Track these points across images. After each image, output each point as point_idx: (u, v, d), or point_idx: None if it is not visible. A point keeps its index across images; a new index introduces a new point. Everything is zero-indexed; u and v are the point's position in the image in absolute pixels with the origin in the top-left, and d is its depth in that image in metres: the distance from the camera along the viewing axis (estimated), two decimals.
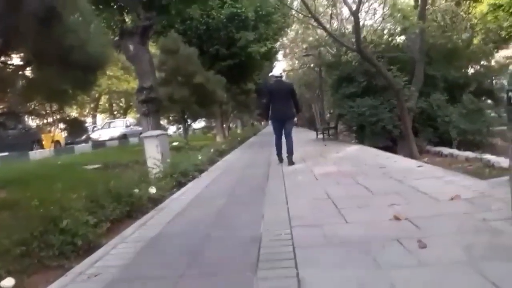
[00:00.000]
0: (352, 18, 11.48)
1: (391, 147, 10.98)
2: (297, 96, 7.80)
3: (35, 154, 12.16)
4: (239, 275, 2.25)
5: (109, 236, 3.34)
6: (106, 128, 22.45)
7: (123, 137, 20.15)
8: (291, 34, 23.29)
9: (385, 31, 14.87)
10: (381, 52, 12.36)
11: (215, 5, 14.34)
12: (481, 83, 12.94)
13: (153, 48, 14.75)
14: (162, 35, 13.39)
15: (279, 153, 7.49)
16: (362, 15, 17.03)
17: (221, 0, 14.42)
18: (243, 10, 14.55)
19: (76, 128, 6.94)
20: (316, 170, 6.18)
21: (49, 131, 8.42)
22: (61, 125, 6.72)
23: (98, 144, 17.17)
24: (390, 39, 13.90)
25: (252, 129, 32.00)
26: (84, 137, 17.17)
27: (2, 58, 5.11)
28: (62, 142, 16.63)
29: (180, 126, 16.54)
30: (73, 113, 9.21)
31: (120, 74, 30.76)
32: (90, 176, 6.77)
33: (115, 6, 11.17)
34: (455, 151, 8.94)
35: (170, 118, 14.74)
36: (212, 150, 9.91)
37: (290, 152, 7.15)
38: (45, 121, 6.47)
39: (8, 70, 5.27)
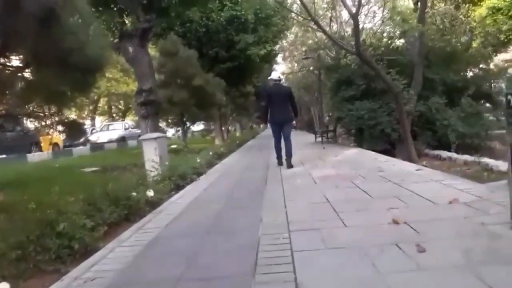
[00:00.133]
0: (352, 21, 11.49)
1: (389, 150, 10.99)
2: (295, 100, 7.82)
3: (33, 157, 12.13)
4: (237, 279, 2.24)
5: (106, 240, 3.32)
6: (104, 131, 22.41)
7: (122, 139, 20.11)
8: (290, 37, 23.33)
9: (385, 34, 14.88)
10: (380, 55, 12.37)
11: (215, 8, 14.35)
12: (479, 87, 12.95)
13: (152, 51, 14.76)
14: (162, 37, 13.39)
15: (278, 156, 7.51)
16: (361, 18, 17.05)
17: (221, 3, 14.43)
18: (243, 12, 14.57)
19: (74, 131, 6.91)
20: (315, 173, 6.18)
21: (48, 134, 8.39)
22: (60, 128, 6.69)
23: (96, 147, 17.15)
24: (389, 42, 13.92)
25: (251, 132, 31.98)
26: (82, 139, 17.13)
27: (1, 60, 5.10)
28: (61, 144, 16.60)
29: (179, 128, 16.57)
30: (72, 115, 9.19)
31: (119, 76, 30.79)
32: (88, 179, 6.75)
33: (115, 8, 11.16)
34: (453, 155, 8.94)
35: (169, 120, 14.72)
36: (210, 153, 9.89)
37: (289, 155, 7.17)
38: (43, 123, 6.45)
39: (7, 71, 5.26)
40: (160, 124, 13.45)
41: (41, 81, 5.10)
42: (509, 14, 14.35)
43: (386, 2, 14.45)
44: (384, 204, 3.64)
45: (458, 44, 14.53)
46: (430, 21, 13.78)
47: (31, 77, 5.48)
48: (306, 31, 17.84)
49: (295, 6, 16.72)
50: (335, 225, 3.13)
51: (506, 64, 17.96)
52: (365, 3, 16.97)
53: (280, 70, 31.28)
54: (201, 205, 4.54)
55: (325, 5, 18.63)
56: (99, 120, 39.58)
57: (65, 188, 4.38)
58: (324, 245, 2.65)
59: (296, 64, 30.34)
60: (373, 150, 9.90)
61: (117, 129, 22.26)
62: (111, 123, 27.11)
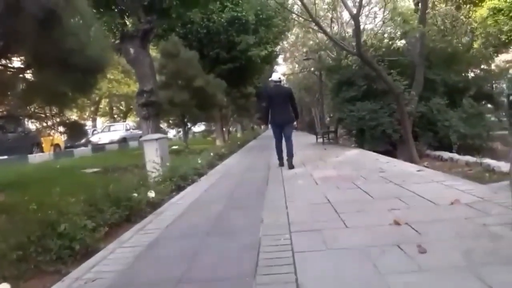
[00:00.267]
0: (353, 22, 11.48)
1: (391, 151, 10.96)
2: (296, 101, 7.82)
3: (35, 158, 12.14)
4: (238, 280, 2.24)
5: (107, 241, 3.32)
6: (106, 132, 22.42)
7: (123, 140, 20.12)
8: (291, 38, 23.31)
9: (386, 35, 14.87)
10: (381, 56, 12.36)
11: (216, 9, 14.37)
12: (481, 87, 12.93)
13: (153, 52, 14.79)
14: (163, 38, 13.43)
15: (279, 157, 7.52)
16: (362, 19, 17.03)
17: (222, 4, 14.46)
18: (244, 13, 14.59)
19: (76, 132, 6.92)
20: (316, 174, 6.17)
21: (49, 135, 8.40)
22: (61, 129, 6.70)
23: (97, 148, 17.14)
24: (390, 43, 13.91)
25: (252, 133, 31.98)
26: (83, 140, 17.15)
27: (3, 61, 5.11)
28: (62, 145, 16.61)
29: (180, 129, 16.57)
30: (73, 116, 9.20)
31: (120, 78, 30.83)
32: (89, 179, 6.75)
33: (116, 10, 11.20)
34: (455, 156, 8.91)
35: (170, 121, 14.73)
36: (211, 153, 9.89)
37: (290, 155, 7.17)
38: (44, 124, 6.45)
39: (8, 73, 5.27)
40: (161, 125, 13.44)
41: (42, 82, 5.11)
42: (510, 14, 14.33)
43: (387, 3, 14.45)
44: (385, 205, 3.64)
45: (459, 45, 14.51)
46: (431, 22, 13.76)
47: (32, 78, 5.49)
48: (307, 32, 17.81)
49: (296, 7, 16.72)
50: (336, 226, 3.12)
51: (507, 65, 17.97)
52: (366, 4, 16.96)
53: (281, 71, 31.34)
54: (202, 206, 4.54)
55: (326, 6, 18.60)
56: (100, 121, 39.64)
57: (66, 189, 4.39)
58: (325, 246, 2.64)
59: (297, 65, 30.33)
60: (374, 151, 9.89)
61: (118, 130, 22.26)
62: (112, 124, 27.16)
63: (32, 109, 5.93)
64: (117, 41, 10.68)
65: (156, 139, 6.78)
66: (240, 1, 14.82)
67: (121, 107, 42.33)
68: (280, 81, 7.78)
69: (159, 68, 11.91)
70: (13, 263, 2.59)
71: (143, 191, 4.68)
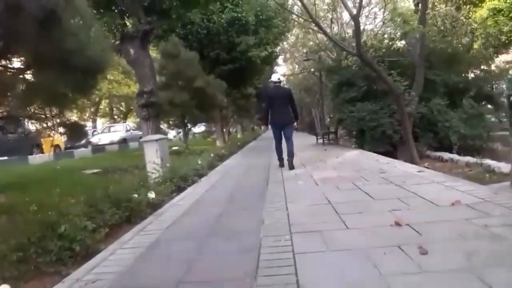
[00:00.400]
0: (353, 23, 11.49)
1: (391, 152, 10.96)
2: (295, 101, 7.82)
3: (35, 159, 12.13)
4: (238, 281, 2.23)
5: (108, 242, 3.31)
6: (106, 132, 22.41)
7: (123, 141, 20.10)
8: (291, 38, 23.36)
9: (386, 36, 14.88)
10: (381, 57, 12.36)
11: (216, 10, 14.37)
12: (481, 88, 12.92)
13: (153, 53, 14.79)
14: (163, 39, 13.43)
15: (279, 158, 7.51)
16: (362, 19, 17.10)
17: (222, 5, 14.46)
18: (244, 14, 14.59)
19: (76, 132, 6.91)
20: (316, 175, 6.16)
21: (49, 135, 8.40)
22: (61, 129, 6.69)
23: (98, 149, 17.13)
24: (390, 43, 13.91)
25: (252, 134, 31.99)
26: (84, 141, 17.14)
27: (3, 62, 5.11)
28: (62, 146, 16.60)
29: (180, 130, 16.57)
30: (73, 117, 9.19)
31: (120, 78, 30.82)
32: (89, 180, 6.74)
33: (116, 10, 11.19)
34: (455, 156, 8.91)
35: (170, 122, 14.74)
36: (212, 154, 9.89)
37: (290, 154, 7.17)
38: (45, 125, 6.44)
39: (8, 73, 5.27)
40: (162, 126, 13.45)
41: (42, 83, 5.11)
42: (510, 15, 14.33)
43: (387, 3, 14.47)
44: (386, 206, 3.63)
45: (459, 45, 14.52)
46: (431, 23, 13.78)
47: (32, 79, 5.49)
48: (307, 32, 17.84)
49: (296, 7, 16.75)
50: (337, 227, 3.11)
51: (507, 66, 17.97)
52: (366, 5, 17.00)
53: (281, 72, 31.33)
54: (203, 207, 4.54)
55: (326, 7, 18.63)
56: (100, 122, 39.64)
57: (66, 190, 4.38)
58: (326, 247, 2.63)
59: (297, 66, 30.39)
60: (374, 152, 9.88)
61: (119, 131, 22.24)
62: (113, 125, 27.12)
63: (32, 110, 5.92)
64: (117, 42, 10.66)
65: (156, 140, 6.78)
66: (240, 2, 14.83)
67: (121, 108, 42.32)
68: (279, 82, 7.78)
69: (159, 69, 11.91)
70: (13, 264, 2.58)
71: (144, 192, 4.67)
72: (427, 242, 2.53)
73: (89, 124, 33.67)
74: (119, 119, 40.05)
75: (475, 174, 6.24)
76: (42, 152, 14.13)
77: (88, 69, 4.95)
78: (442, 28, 14.83)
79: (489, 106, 13.56)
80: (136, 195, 4.40)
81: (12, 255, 2.61)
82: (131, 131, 22.81)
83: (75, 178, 7.18)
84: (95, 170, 8.27)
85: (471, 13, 15.54)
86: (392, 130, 11.15)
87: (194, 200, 4.93)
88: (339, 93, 13.10)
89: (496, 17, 14.49)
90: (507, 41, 15.04)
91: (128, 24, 11.63)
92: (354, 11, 10.10)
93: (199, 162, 7.87)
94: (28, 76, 5.58)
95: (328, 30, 15.59)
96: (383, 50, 13.22)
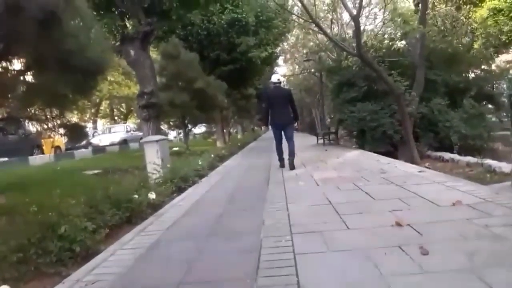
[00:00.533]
0: (353, 23, 11.49)
1: (392, 152, 10.95)
2: (295, 102, 7.83)
3: (35, 160, 12.13)
4: (239, 282, 2.22)
5: (108, 242, 3.30)
6: (106, 133, 22.42)
7: (124, 142, 20.10)
8: (291, 39, 23.39)
9: (386, 36, 14.90)
10: (381, 57, 12.37)
11: (216, 11, 14.38)
12: (481, 88, 12.91)
13: (154, 54, 14.79)
14: (163, 40, 13.44)
15: (280, 158, 7.51)
16: (362, 20, 17.12)
17: (222, 6, 14.47)
18: (244, 15, 14.61)
19: (76, 134, 6.90)
20: (317, 175, 6.16)
21: (49, 136, 8.41)
22: (62, 130, 6.69)
23: (98, 150, 17.13)
24: (390, 43, 13.91)
25: (252, 134, 32.00)
26: (84, 142, 17.13)
27: (3, 63, 5.11)
28: (62, 147, 16.60)
29: (180, 131, 16.58)
30: (74, 118, 9.19)
31: (121, 79, 30.85)
32: (90, 181, 6.74)
33: (116, 12, 11.20)
34: (456, 156, 8.90)
35: (171, 123, 14.75)
36: (212, 155, 9.89)
37: (291, 154, 7.18)
38: (45, 126, 6.44)
39: (8, 75, 5.26)
40: (162, 127, 13.44)
41: (43, 84, 5.11)
42: (510, 15, 14.32)
43: (387, 4, 14.48)
44: (387, 206, 3.62)
45: (460, 45, 14.51)
46: (431, 23, 13.78)
47: (33, 80, 5.48)
48: (307, 33, 17.88)
49: (296, 8, 16.77)
50: (337, 227, 3.11)
51: (508, 65, 17.95)
52: (366, 5, 17.01)
53: (281, 72, 31.34)
54: (203, 207, 4.53)
55: (326, 7, 18.65)
56: (101, 123, 39.68)
57: (66, 191, 4.38)
58: (327, 248, 2.63)
59: (297, 66, 30.42)
60: (375, 152, 9.87)
61: (119, 132, 22.24)
62: (113, 126, 27.13)
63: (33, 111, 5.92)
64: (118, 43, 10.66)
65: (157, 141, 6.78)
66: (240, 3, 14.83)
67: (121, 109, 42.31)
68: (279, 83, 7.78)
69: (160, 70, 11.92)
70: (13, 265, 2.58)
71: (144, 193, 4.67)
72: (428, 242, 2.52)
73: (89, 125, 33.68)
74: (119, 120, 40.06)
75: (476, 174, 6.23)
76: (43, 153, 14.13)
77: (88, 70, 4.94)
78: (442, 28, 14.83)
79: (489, 106, 13.55)
80: (136, 196, 4.40)
81: (12, 256, 2.61)
82: (132, 132, 22.83)
83: (75, 179, 7.18)
84: (96, 171, 8.27)
85: (471, 13, 15.54)
86: (392, 130, 11.14)
87: (194, 201, 4.92)
88: (340, 93, 13.10)
89: (496, 17, 14.48)
90: (507, 41, 15.04)
91: (128, 25, 11.64)
92: (354, 12, 10.10)
93: (200, 163, 7.87)
94: (29, 77, 5.58)
95: (328, 31, 15.60)
96: (384, 50, 13.23)
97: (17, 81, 5.37)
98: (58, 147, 15.98)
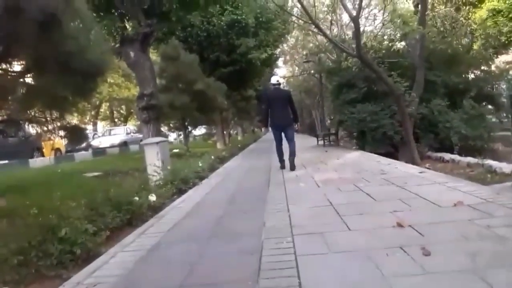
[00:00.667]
0: (352, 24, 11.51)
1: (392, 153, 10.94)
2: (295, 103, 7.83)
3: (35, 162, 12.12)
4: (240, 284, 2.22)
5: (109, 245, 3.30)
6: (106, 136, 22.41)
7: (124, 144, 20.10)
8: (291, 40, 23.41)
9: (385, 37, 14.90)
10: (381, 58, 12.37)
11: (216, 12, 14.40)
12: (481, 89, 12.92)
13: (153, 55, 14.81)
14: (163, 42, 13.46)
15: (280, 160, 7.50)
16: (362, 21, 17.14)
17: (222, 7, 14.48)
18: (244, 17, 14.62)
19: (76, 136, 6.89)
20: (317, 176, 6.15)
21: (49, 139, 8.41)
22: (62, 133, 6.68)
23: (98, 152, 17.13)
24: (390, 44, 13.91)
25: (252, 136, 32.02)
26: (84, 144, 17.12)
27: (3, 66, 5.10)
28: (63, 149, 16.59)
29: (180, 133, 16.57)
30: (74, 120, 9.19)
31: (121, 81, 30.85)
32: (90, 183, 6.73)
33: (116, 13, 11.20)
34: (456, 157, 8.89)
35: (171, 125, 14.75)
36: (212, 157, 9.88)
37: (292, 154, 7.19)
38: (45, 128, 6.43)
39: (8, 77, 5.26)
40: (162, 129, 13.45)
41: (43, 86, 5.10)
42: (510, 16, 14.33)
43: (387, 5, 14.48)
44: (388, 207, 3.62)
45: (459, 46, 14.52)
46: (430, 24, 13.78)
47: (33, 82, 5.48)
48: (306, 34, 17.91)
49: (295, 9, 16.77)
50: (338, 228, 3.10)
51: (507, 66, 17.96)
52: (365, 6, 17.03)
53: (281, 74, 31.39)
54: (204, 209, 4.53)
55: (326, 9, 18.67)
56: (101, 125, 39.64)
57: (67, 193, 4.38)
58: (328, 249, 2.62)
59: (297, 68, 30.46)
60: (375, 153, 9.87)
61: (119, 134, 22.25)
62: (113, 128, 27.13)
63: (33, 113, 5.91)
64: (117, 45, 10.67)
65: (157, 143, 6.77)
66: (239, 4, 14.85)
67: (121, 111, 42.30)
68: (279, 84, 7.79)
69: (160, 71, 11.93)
70: (14, 267, 2.57)
71: (144, 195, 4.66)
72: (430, 243, 2.51)
73: (89, 127, 33.65)
74: (119, 122, 40.07)
75: (477, 175, 6.22)
76: (43, 156, 14.12)
77: (88, 72, 4.93)
78: (441, 29, 14.84)
79: (489, 106, 13.55)
80: (137, 198, 4.39)
81: (12, 258, 2.59)
82: (132, 134, 22.84)
83: (75, 181, 7.17)
84: (96, 173, 8.26)
85: (470, 14, 15.55)
86: (393, 131, 11.14)
87: (195, 203, 4.91)
88: (340, 94, 13.10)
89: (496, 18, 14.49)
90: (506, 42, 15.03)
91: (128, 27, 11.64)
92: (354, 13, 10.11)
93: (200, 165, 7.87)
94: (28, 79, 5.57)
95: (328, 32, 15.61)
96: (383, 51, 13.23)
97: (17, 83, 5.36)
98: (58, 150, 15.96)
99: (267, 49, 16.41)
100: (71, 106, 5.88)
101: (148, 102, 9.56)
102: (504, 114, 13.65)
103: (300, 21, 14.45)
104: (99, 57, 5.09)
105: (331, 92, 15.52)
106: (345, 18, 19.10)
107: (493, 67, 16.07)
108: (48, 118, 6.01)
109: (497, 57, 16.72)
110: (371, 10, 19.56)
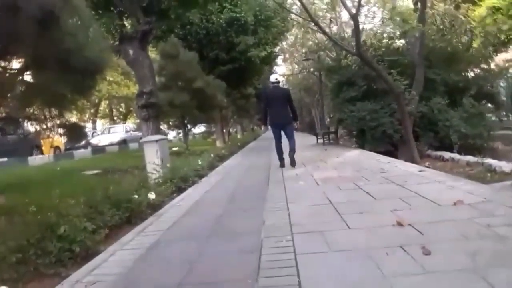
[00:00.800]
0: (352, 22, 11.47)
1: (391, 151, 10.93)
2: (294, 102, 7.83)
3: (34, 160, 12.11)
4: (240, 283, 2.21)
5: (108, 243, 3.29)
6: (105, 134, 22.40)
7: (123, 142, 20.08)
8: (290, 38, 23.33)
9: (385, 35, 14.84)
10: (381, 56, 12.34)
11: (215, 10, 14.36)
12: (481, 87, 12.89)
13: (152, 53, 14.76)
14: (162, 40, 13.41)
15: (280, 158, 7.49)
16: (361, 18, 16.98)
17: (221, 5, 14.44)
18: (243, 14, 14.58)
19: (75, 134, 6.88)
20: (317, 175, 6.15)
21: (49, 137, 8.38)
22: (61, 131, 6.67)
23: (97, 150, 17.11)
24: (390, 42, 13.87)
25: (252, 134, 32.00)
26: (83, 142, 17.11)
27: (2, 63, 5.08)
28: (62, 147, 16.57)
29: (180, 131, 16.55)
30: (73, 118, 9.16)
31: (120, 79, 30.79)
32: (89, 181, 6.72)
33: (114, 11, 11.16)
34: (456, 156, 8.88)
35: (170, 123, 14.72)
36: (212, 155, 9.87)
37: (292, 149, 7.23)
38: (44, 126, 6.42)
39: (7, 75, 5.24)
40: (161, 127, 13.42)
41: (41, 84, 5.08)
42: (509, 13, 14.29)
43: (386, 2, 14.45)
44: (388, 205, 3.61)
45: (459, 44, 14.49)
46: (430, 21, 13.72)
47: (31, 80, 5.46)
48: (306, 32, 17.81)
49: (295, 7, 16.71)
50: (338, 227, 3.09)
51: (507, 64, 17.93)
52: (365, 4, 16.96)
53: (280, 72, 31.35)
54: (203, 207, 4.52)
55: (325, 6, 18.61)
56: (100, 123, 39.61)
57: (66, 191, 4.36)
58: (328, 248, 2.61)
59: (296, 66, 30.39)
60: (375, 151, 9.87)
61: (118, 132, 22.22)
62: (112, 126, 27.10)
63: (32, 111, 5.89)
64: (116, 43, 10.63)
65: (156, 141, 6.76)
66: (239, 2, 14.81)
67: (121, 109, 42.26)
68: (278, 82, 7.77)
69: (159, 69, 11.89)
70: (13, 265, 2.56)
71: (144, 193, 4.65)
72: (430, 242, 2.51)
73: (88, 125, 33.62)
74: (118, 120, 40.01)
75: (477, 174, 6.21)
76: (42, 154, 14.10)
77: (87, 69, 4.92)
78: (441, 27, 14.78)
79: (489, 105, 13.53)
80: (136, 196, 4.38)
81: (11, 256, 2.59)
82: (131, 132, 22.81)
83: (74, 179, 7.16)
84: (95, 171, 8.25)
85: (470, 11, 15.51)
86: (392, 130, 11.12)
87: (194, 201, 4.91)
88: (339, 92, 13.08)
89: (495, 16, 14.42)
90: (506, 40, 15.00)
91: (127, 24, 11.61)
92: (353, 10, 10.07)
93: (199, 163, 7.86)
94: (27, 77, 5.56)
95: (327, 30, 15.56)
96: (383, 49, 13.20)
97: (16, 81, 5.35)
98: (57, 147, 15.95)
99: (266, 47, 16.38)
100: (70, 104, 5.87)
101: (147, 100, 9.53)
102: (504, 113, 13.64)
103: (299, 18, 14.39)
104: (98, 55, 5.07)
105: (330, 90, 15.50)
106: (345, 15, 19.03)
107: (492, 65, 16.06)
108: (47, 116, 6.00)
109: (496, 55, 16.69)
110: (371, 7, 19.44)
